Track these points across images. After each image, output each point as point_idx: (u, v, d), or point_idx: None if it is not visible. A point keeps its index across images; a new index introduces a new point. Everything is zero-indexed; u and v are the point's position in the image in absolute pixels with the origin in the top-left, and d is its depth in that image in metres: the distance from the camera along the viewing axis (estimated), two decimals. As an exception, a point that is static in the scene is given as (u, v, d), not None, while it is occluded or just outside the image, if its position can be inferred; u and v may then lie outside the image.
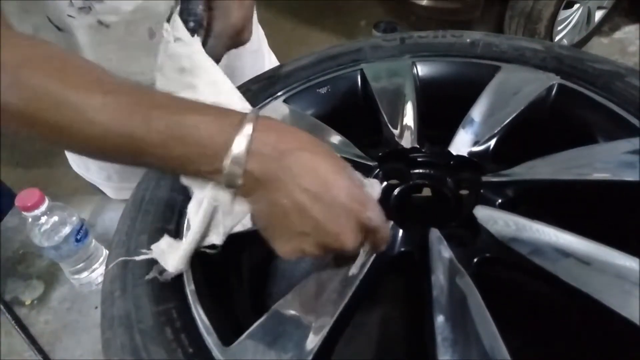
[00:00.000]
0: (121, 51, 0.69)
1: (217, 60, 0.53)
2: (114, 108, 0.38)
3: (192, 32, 0.50)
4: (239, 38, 0.56)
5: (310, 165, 0.39)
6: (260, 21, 0.98)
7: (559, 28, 2.32)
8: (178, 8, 0.51)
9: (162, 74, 0.49)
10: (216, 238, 0.43)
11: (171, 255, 0.45)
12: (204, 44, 0.51)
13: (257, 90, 0.69)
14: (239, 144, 0.37)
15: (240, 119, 0.39)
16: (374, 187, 0.44)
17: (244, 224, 0.44)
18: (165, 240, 0.46)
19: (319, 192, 0.38)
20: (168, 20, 0.50)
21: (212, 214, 0.42)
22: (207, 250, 0.45)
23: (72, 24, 0.66)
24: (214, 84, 0.48)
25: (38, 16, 0.67)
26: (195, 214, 0.43)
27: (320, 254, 0.40)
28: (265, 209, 0.40)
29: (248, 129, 0.38)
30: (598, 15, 2.48)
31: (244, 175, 0.38)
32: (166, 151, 0.38)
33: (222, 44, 0.54)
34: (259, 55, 0.93)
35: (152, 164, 0.41)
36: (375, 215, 0.40)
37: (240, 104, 0.47)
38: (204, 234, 0.43)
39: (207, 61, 0.49)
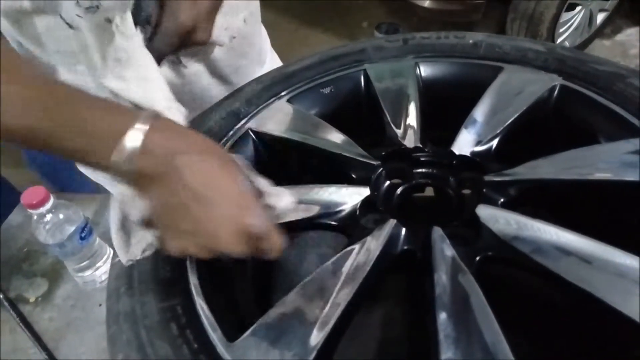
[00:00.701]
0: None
1: (161, 56, 0.54)
2: (22, 99, 0.39)
3: (141, 27, 0.51)
4: (190, 37, 0.57)
5: (198, 167, 0.40)
6: (263, 22, 0.98)
7: (561, 30, 2.33)
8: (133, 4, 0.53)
9: (103, 62, 0.50)
10: (135, 224, 0.45)
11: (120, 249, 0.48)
12: (150, 40, 0.53)
13: (260, 89, 0.69)
14: (132, 140, 0.39)
15: (136, 116, 0.40)
16: (281, 197, 0.45)
17: None
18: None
19: (203, 194, 0.40)
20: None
21: (122, 206, 0.45)
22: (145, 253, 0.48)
23: (80, 23, 0.67)
24: (143, 79, 0.49)
25: (52, 15, 0.68)
26: (112, 209, 0.46)
27: (203, 255, 0.42)
28: (155, 205, 0.42)
29: (141, 126, 0.39)
30: (600, 17, 2.49)
31: (136, 171, 0.40)
32: (66, 143, 0.40)
33: (167, 41, 0.55)
34: (263, 55, 0.94)
35: (55, 152, 0.42)
36: (257, 222, 0.41)
37: (165, 103, 0.48)
38: (128, 227, 0.46)
39: (144, 57, 0.50)
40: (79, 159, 0.41)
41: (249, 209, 0.41)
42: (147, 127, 0.39)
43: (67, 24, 0.67)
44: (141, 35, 0.51)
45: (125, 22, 0.51)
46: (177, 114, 0.48)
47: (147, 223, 0.44)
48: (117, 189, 0.44)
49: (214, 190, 0.40)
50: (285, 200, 0.46)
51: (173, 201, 0.40)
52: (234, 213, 0.40)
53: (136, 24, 0.51)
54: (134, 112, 0.41)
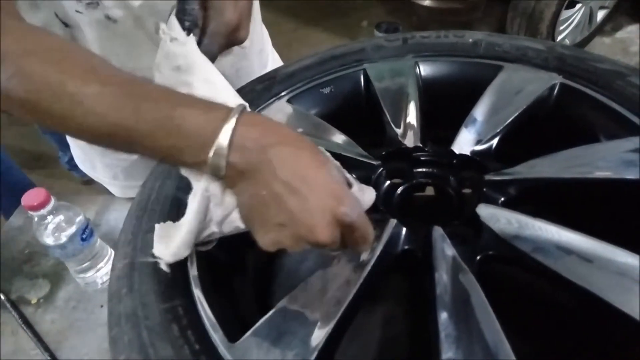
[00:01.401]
0: (128, 46, 0.70)
1: (213, 58, 0.54)
2: (107, 98, 0.40)
3: (188, 31, 0.51)
4: (234, 37, 0.57)
5: (290, 159, 0.40)
6: (263, 22, 0.98)
7: (561, 28, 2.32)
8: (175, 8, 0.52)
9: (159, 73, 0.50)
10: (215, 227, 0.45)
11: (169, 243, 0.46)
12: (199, 43, 0.53)
13: (261, 89, 0.69)
14: (223, 137, 0.39)
15: (225, 112, 0.40)
16: (366, 193, 0.45)
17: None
18: (162, 228, 0.46)
19: (296, 185, 0.39)
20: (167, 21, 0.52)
21: (206, 204, 0.44)
22: (201, 248, 0.46)
23: (79, 20, 0.67)
24: (208, 82, 0.49)
25: (46, 12, 0.68)
26: (191, 204, 0.44)
27: (297, 246, 0.41)
28: (247, 200, 0.42)
29: (232, 122, 0.39)
30: (600, 15, 2.48)
31: (227, 167, 0.40)
32: (154, 142, 0.40)
33: (217, 42, 0.55)
34: (264, 55, 0.94)
35: (143, 153, 0.42)
36: (351, 211, 0.40)
37: (234, 100, 0.49)
38: (201, 225, 0.44)
39: (202, 60, 0.50)
40: (171, 158, 0.41)
41: (343, 198, 0.40)
42: (237, 122, 0.39)
43: (63, 22, 0.67)
44: (194, 39, 0.51)
45: (173, 27, 0.51)
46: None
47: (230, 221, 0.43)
48: (201, 186, 0.43)
49: (308, 181, 0.40)
50: (369, 195, 0.46)
51: (266, 194, 0.40)
52: (329, 203, 0.40)
53: (184, 28, 0.51)
54: (223, 107, 0.41)
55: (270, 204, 0.40)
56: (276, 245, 0.42)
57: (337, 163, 0.46)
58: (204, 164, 0.40)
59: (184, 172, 0.44)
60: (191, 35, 0.51)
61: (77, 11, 0.66)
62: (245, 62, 0.87)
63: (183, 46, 0.50)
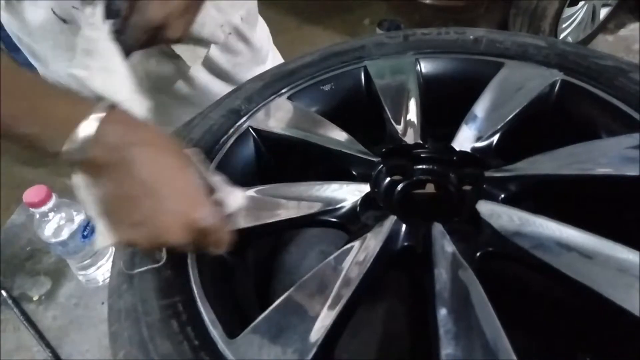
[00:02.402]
0: None
1: (129, 50, 0.54)
2: None
3: (110, 18, 0.52)
4: (160, 34, 0.57)
5: (150, 160, 0.41)
6: (265, 20, 0.98)
7: (564, 25, 2.31)
8: None
9: (73, 52, 0.51)
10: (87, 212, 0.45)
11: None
12: (120, 33, 0.53)
13: (261, 87, 0.69)
14: (85, 129, 0.39)
15: (91, 106, 0.40)
16: (234, 196, 0.46)
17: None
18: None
19: (152, 186, 0.40)
20: None
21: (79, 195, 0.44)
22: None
23: (76, 15, 0.67)
24: (107, 70, 0.49)
25: (45, 9, 0.68)
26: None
27: (150, 247, 0.42)
28: (104, 196, 0.42)
29: (97, 116, 0.39)
30: (603, 12, 2.47)
31: (88, 160, 0.40)
32: (20, 129, 0.40)
33: (135, 36, 0.55)
34: (263, 52, 0.94)
35: (12, 140, 0.42)
36: (205, 216, 0.41)
37: (126, 94, 0.49)
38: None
39: (109, 48, 0.51)
40: (32, 146, 0.41)
41: (197, 203, 0.42)
42: (102, 116, 0.39)
43: (61, 19, 0.67)
44: (108, 28, 0.51)
45: (96, 13, 0.51)
46: (138, 105, 0.48)
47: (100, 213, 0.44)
48: (74, 179, 0.44)
49: (164, 183, 0.41)
50: (237, 198, 0.46)
51: (122, 192, 0.41)
52: (183, 206, 0.41)
53: (108, 16, 0.52)
54: (92, 101, 0.41)
55: (126, 202, 0.41)
56: (129, 243, 0.43)
57: (204, 168, 0.46)
58: (59, 155, 0.40)
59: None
60: (106, 22, 0.51)
61: (74, 7, 0.66)
62: (240, 60, 0.87)
63: (96, 31, 0.51)
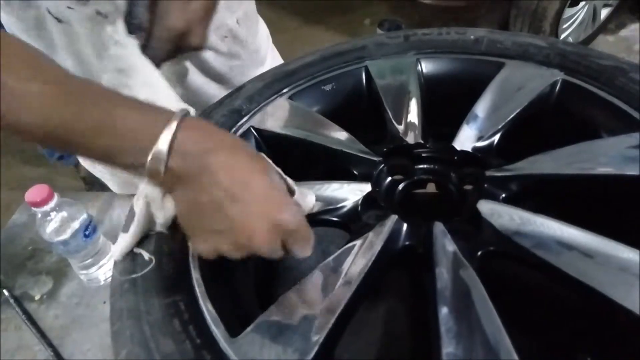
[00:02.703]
0: None
1: (158, 61, 0.54)
2: (49, 96, 0.39)
3: (133, 34, 0.51)
4: (183, 42, 0.56)
5: (229, 165, 0.40)
6: (265, 20, 0.98)
7: (565, 26, 2.32)
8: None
9: (105, 74, 0.51)
10: (160, 228, 0.46)
11: (118, 245, 0.48)
12: (145, 47, 0.53)
13: (262, 87, 0.69)
14: (163, 141, 0.38)
15: (167, 116, 0.40)
16: (307, 198, 0.46)
17: None
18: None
19: (236, 191, 0.39)
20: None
21: (148, 209, 0.44)
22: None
23: (71, 15, 0.67)
24: (148, 85, 0.49)
25: (38, 9, 0.68)
26: (136, 210, 0.45)
27: (237, 254, 0.41)
28: (185, 206, 0.41)
29: (172, 127, 0.39)
30: (604, 13, 2.47)
31: (166, 171, 0.39)
32: (92, 141, 0.39)
33: (161, 47, 0.54)
34: (261, 53, 0.94)
35: (81, 152, 0.41)
36: (290, 217, 0.41)
37: (176, 104, 0.49)
38: (145, 226, 0.46)
39: (143, 62, 0.51)
40: (109, 159, 0.41)
41: (282, 205, 0.41)
42: (178, 127, 0.39)
43: (56, 18, 0.67)
44: (136, 42, 0.51)
45: (118, 31, 0.51)
46: (192, 112, 0.48)
47: (172, 226, 0.43)
48: (143, 190, 0.43)
49: (247, 188, 0.40)
50: (310, 199, 0.46)
51: (205, 200, 0.40)
52: (268, 209, 0.40)
53: (130, 31, 0.51)
54: (166, 111, 0.40)
55: (209, 211, 0.40)
56: (215, 252, 0.41)
57: (278, 169, 0.46)
58: (142, 167, 0.39)
59: (107, 174, 0.45)
60: (133, 38, 0.51)
61: (69, 7, 0.66)
62: (236, 62, 0.87)
63: (124, 49, 0.50)
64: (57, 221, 0.75)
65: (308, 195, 0.46)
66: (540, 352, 0.48)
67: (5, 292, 0.82)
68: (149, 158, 0.38)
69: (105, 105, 0.40)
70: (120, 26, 0.51)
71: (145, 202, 0.44)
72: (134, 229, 0.46)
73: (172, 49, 0.56)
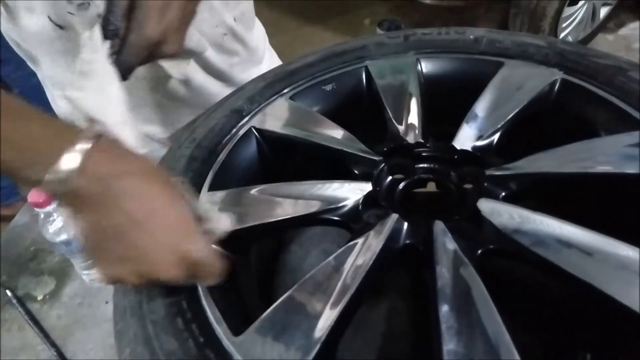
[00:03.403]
0: None
1: (129, 69, 0.54)
2: None
3: (108, 40, 0.52)
4: (157, 50, 0.56)
5: (137, 192, 0.39)
6: (264, 20, 0.99)
7: (564, 25, 2.32)
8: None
9: (72, 73, 0.51)
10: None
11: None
12: (119, 53, 0.53)
13: (263, 87, 0.70)
14: (69, 160, 0.37)
15: (77, 135, 0.39)
16: (220, 221, 0.45)
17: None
18: None
19: (141, 219, 0.38)
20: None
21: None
22: None
23: (72, 21, 0.68)
24: (99, 92, 0.49)
25: (41, 16, 0.69)
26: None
27: (139, 282, 0.41)
28: (88, 229, 0.40)
29: (80, 146, 0.38)
30: (603, 11, 2.48)
31: (69, 191, 0.38)
32: (1, 155, 0.38)
33: (135, 54, 0.54)
34: (258, 53, 0.94)
35: None
36: (197, 247, 0.40)
37: (118, 117, 0.48)
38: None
39: (105, 69, 0.51)
40: (11, 171, 0.39)
41: (188, 234, 0.40)
42: (87, 146, 0.38)
43: (57, 25, 0.68)
44: (106, 49, 0.52)
45: (94, 35, 0.51)
46: (129, 130, 0.47)
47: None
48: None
49: (152, 216, 0.39)
50: (224, 223, 0.45)
51: (108, 225, 0.39)
52: (173, 239, 0.39)
53: (105, 37, 0.52)
54: (76, 129, 0.40)
55: (112, 237, 0.39)
56: (116, 280, 0.41)
57: (191, 195, 0.45)
58: (43, 183, 0.38)
59: None
60: (105, 43, 0.51)
61: (70, 12, 0.66)
62: (235, 60, 0.87)
63: (93, 53, 0.50)
64: (59, 221, 0.76)
65: (222, 219, 0.45)
66: (540, 349, 0.48)
67: (8, 292, 0.82)
68: (49, 175, 0.37)
69: (15, 118, 0.38)
70: (97, 31, 0.52)
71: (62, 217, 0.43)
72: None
73: (146, 56, 0.56)
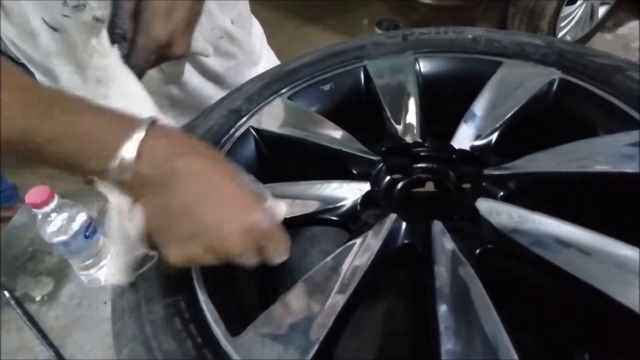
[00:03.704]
0: None
1: (140, 72, 0.54)
2: (14, 104, 0.38)
3: (116, 43, 0.52)
4: (166, 52, 0.56)
5: (199, 170, 0.40)
6: (264, 21, 0.99)
7: (562, 24, 2.32)
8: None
9: (85, 83, 0.51)
10: (134, 241, 0.43)
11: (110, 267, 0.47)
12: (128, 57, 0.53)
13: (261, 87, 0.70)
14: (129, 147, 0.38)
15: (134, 122, 0.40)
16: (279, 206, 0.45)
17: None
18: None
19: (206, 195, 0.39)
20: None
21: (121, 221, 0.43)
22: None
23: (67, 24, 0.67)
24: (124, 95, 0.49)
25: (35, 19, 0.68)
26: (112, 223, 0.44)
27: (210, 258, 0.41)
28: (154, 212, 0.40)
29: (140, 133, 0.39)
30: (601, 11, 2.48)
31: (133, 178, 0.39)
32: (59, 148, 0.38)
33: (144, 57, 0.55)
34: (255, 53, 0.94)
35: (47, 160, 0.40)
36: (263, 219, 0.40)
37: (150, 113, 0.48)
38: (129, 242, 0.43)
39: (122, 72, 0.51)
40: (74, 165, 0.40)
41: (252, 207, 0.41)
42: (144, 133, 0.39)
43: (52, 27, 0.67)
44: (118, 52, 0.51)
45: (102, 41, 0.51)
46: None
47: (146, 237, 0.42)
48: (115, 201, 0.43)
49: (217, 191, 0.40)
50: (282, 209, 0.45)
51: (175, 205, 0.39)
52: (239, 211, 0.40)
53: (113, 41, 0.52)
54: (134, 118, 0.40)
55: (179, 216, 0.39)
56: (188, 259, 0.41)
57: (251, 176, 0.45)
58: (106, 172, 0.39)
59: (102, 188, 0.43)
60: (114, 47, 0.51)
61: (64, 15, 0.66)
62: (232, 62, 0.87)
63: (105, 58, 0.50)
64: (57, 222, 0.76)
65: (280, 204, 0.45)
66: (539, 349, 0.48)
67: (6, 293, 0.82)
68: (114, 164, 0.38)
69: (71, 110, 0.39)
70: (104, 36, 0.52)
71: (117, 215, 0.43)
72: (119, 248, 0.44)
73: (154, 59, 0.56)
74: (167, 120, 0.88)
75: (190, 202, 0.39)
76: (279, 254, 0.43)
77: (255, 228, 0.40)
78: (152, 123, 0.40)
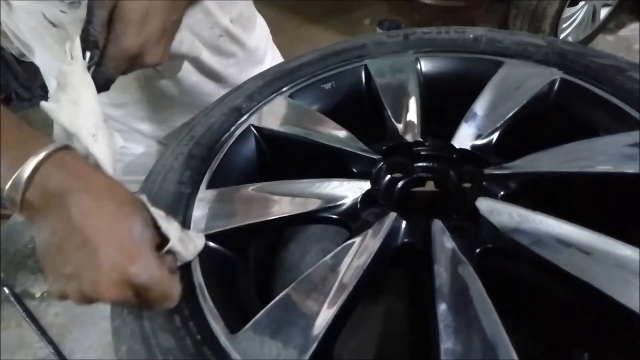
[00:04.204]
0: None
1: (108, 81, 0.54)
2: None
3: (88, 51, 0.52)
4: (138, 61, 0.56)
5: (87, 209, 0.39)
6: (265, 20, 0.99)
7: (564, 26, 2.32)
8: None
9: (52, 86, 0.51)
10: None
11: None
12: (98, 65, 0.53)
13: (262, 85, 0.70)
14: (24, 170, 0.38)
15: (38, 147, 0.39)
16: (193, 243, 0.44)
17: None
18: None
19: (87, 237, 0.38)
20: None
21: None
22: None
23: (64, 19, 0.68)
24: (74, 103, 0.49)
25: (36, 15, 0.69)
26: None
27: (82, 302, 0.40)
28: (40, 241, 0.40)
29: (38, 158, 0.39)
30: (603, 12, 2.48)
31: (22, 202, 0.39)
32: None
33: (114, 66, 0.54)
34: (259, 52, 0.94)
35: None
36: (142, 272, 0.39)
37: (91, 129, 0.48)
38: None
39: (80, 81, 0.51)
40: None
41: (135, 257, 0.39)
42: (45, 159, 0.39)
43: (51, 22, 0.68)
44: (84, 60, 0.52)
45: (74, 46, 0.51)
46: (102, 141, 0.47)
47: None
48: None
49: (100, 235, 0.38)
50: (197, 244, 0.45)
51: (56, 240, 0.39)
52: (118, 261, 0.38)
53: (86, 48, 0.52)
54: (41, 143, 0.40)
55: (59, 252, 0.39)
56: (62, 296, 0.40)
57: (161, 213, 0.43)
58: (2, 192, 0.39)
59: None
60: (81, 57, 0.51)
61: (62, 11, 0.66)
62: (232, 61, 0.87)
63: (70, 65, 0.50)
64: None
65: (195, 239, 0.44)
66: (538, 348, 0.48)
67: (6, 289, 0.82)
68: (8, 185, 0.38)
69: None
70: (77, 42, 0.52)
71: None
72: None
73: (125, 68, 0.56)
74: (161, 117, 0.87)
75: (69, 241, 0.39)
76: (158, 306, 0.42)
77: (131, 280, 0.39)
78: (58, 150, 0.40)
